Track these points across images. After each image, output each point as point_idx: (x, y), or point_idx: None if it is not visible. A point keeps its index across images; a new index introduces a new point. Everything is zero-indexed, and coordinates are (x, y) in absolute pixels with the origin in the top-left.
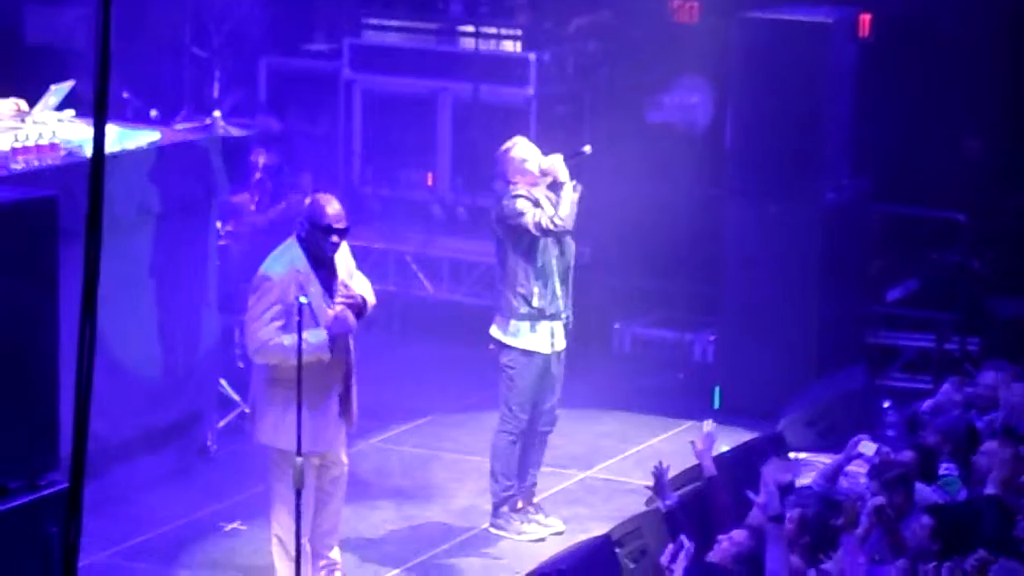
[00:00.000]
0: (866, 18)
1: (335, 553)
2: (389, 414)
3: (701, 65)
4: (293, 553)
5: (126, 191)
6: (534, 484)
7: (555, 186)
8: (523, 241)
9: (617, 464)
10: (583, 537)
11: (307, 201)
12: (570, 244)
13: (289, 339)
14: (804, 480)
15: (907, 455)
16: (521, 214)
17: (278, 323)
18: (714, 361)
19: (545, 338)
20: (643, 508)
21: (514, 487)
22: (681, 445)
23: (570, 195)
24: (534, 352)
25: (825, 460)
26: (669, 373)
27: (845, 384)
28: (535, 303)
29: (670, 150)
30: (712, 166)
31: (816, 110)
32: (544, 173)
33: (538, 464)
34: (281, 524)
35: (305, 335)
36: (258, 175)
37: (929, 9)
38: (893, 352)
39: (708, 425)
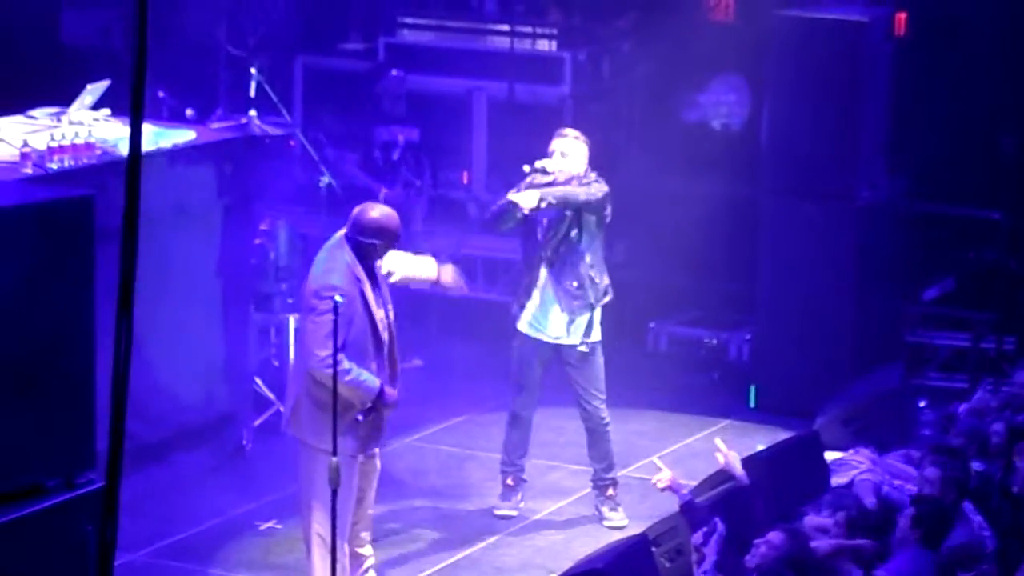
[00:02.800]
0: (902, 16)
1: (368, 549)
2: (425, 413)
3: (737, 64)
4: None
5: (162, 190)
6: (598, 478)
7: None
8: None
9: (653, 463)
10: (619, 536)
11: (361, 212)
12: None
13: (367, 375)
14: (840, 479)
15: (933, 472)
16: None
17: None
18: (750, 360)
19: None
20: (678, 507)
21: (504, 460)
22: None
23: (528, 193)
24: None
25: (859, 459)
26: (705, 372)
27: (881, 383)
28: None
29: (706, 149)
30: (748, 165)
31: (852, 109)
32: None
33: (597, 458)
34: (322, 523)
35: (365, 376)
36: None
37: (965, 7)
38: (929, 351)
39: (721, 446)
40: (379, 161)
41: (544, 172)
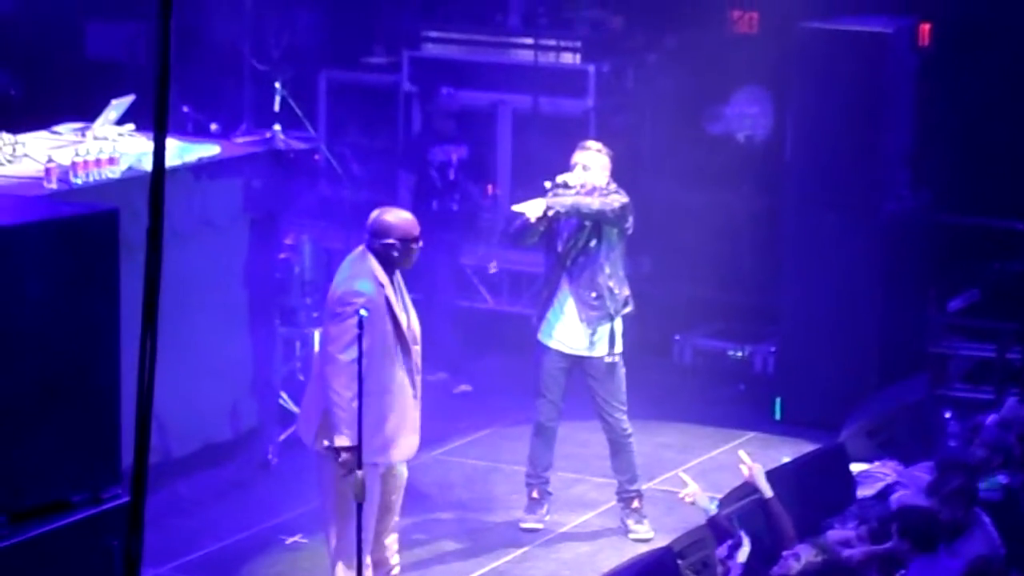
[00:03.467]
0: (926, 28)
1: (395, 558)
2: (450, 426)
3: (761, 75)
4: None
5: (186, 205)
6: (622, 490)
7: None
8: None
9: (678, 476)
10: (644, 548)
11: (378, 216)
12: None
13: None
14: (866, 491)
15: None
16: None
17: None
18: (775, 372)
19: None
20: (704, 520)
21: (530, 474)
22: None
23: (536, 202)
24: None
25: (885, 471)
26: (730, 384)
27: (906, 395)
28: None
29: (730, 161)
30: (772, 176)
31: (876, 120)
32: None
33: (620, 470)
34: (347, 537)
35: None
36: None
37: (989, 18)
38: (954, 362)
39: (745, 458)
40: (437, 182)
41: (565, 186)
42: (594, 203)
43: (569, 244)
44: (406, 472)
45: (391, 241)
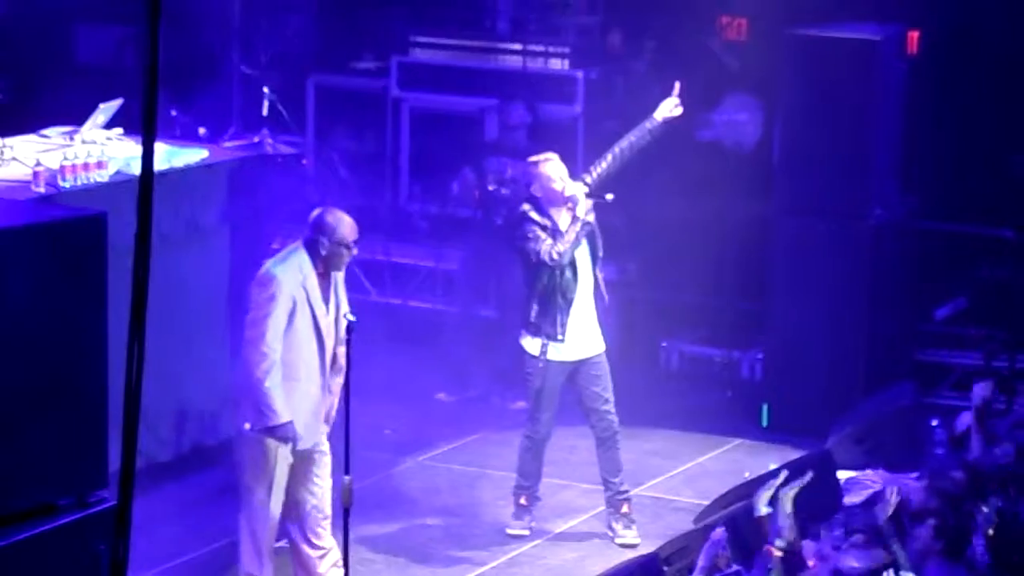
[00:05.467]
0: (914, 35)
1: (329, 541)
2: (437, 432)
3: (749, 83)
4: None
5: (174, 209)
6: (614, 493)
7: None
8: (528, 262)
9: (665, 482)
10: (631, 555)
11: (319, 213)
12: (585, 270)
13: (274, 386)
14: (853, 499)
15: (959, 474)
16: (527, 240)
17: (279, 332)
18: (762, 379)
19: (536, 348)
20: (691, 526)
21: (523, 486)
22: (729, 463)
23: (575, 230)
24: (533, 357)
25: (873, 479)
26: (717, 391)
27: (893, 402)
28: (532, 318)
29: (718, 167)
30: (760, 183)
31: (864, 127)
32: (566, 199)
33: (610, 470)
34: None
35: (277, 397)
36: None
37: (977, 26)
38: (942, 370)
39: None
40: (497, 193)
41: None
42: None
43: (572, 275)
44: (322, 462)
45: (321, 239)
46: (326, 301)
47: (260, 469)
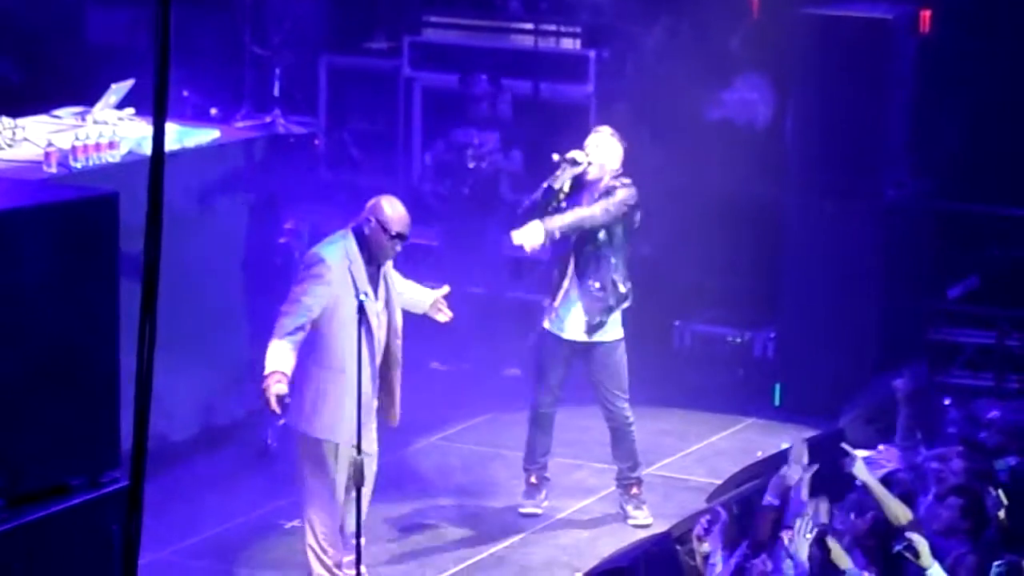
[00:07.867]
0: (926, 14)
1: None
2: (450, 412)
3: (762, 62)
4: (328, 561)
5: (186, 189)
6: (622, 477)
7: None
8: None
9: (677, 461)
10: (643, 534)
11: (376, 200)
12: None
13: (281, 350)
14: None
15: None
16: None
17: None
18: (774, 358)
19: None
20: (703, 505)
21: (530, 463)
22: (741, 443)
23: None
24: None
25: (886, 458)
26: (729, 370)
27: (906, 381)
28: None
29: (730, 147)
30: (772, 163)
31: (876, 107)
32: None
33: (621, 458)
34: (313, 522)
35: (277, 347)
36: None
37: (989, 4)
38: (954, 349)
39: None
40: (479, 168)
41: (574, 163)
42: (596, 215)
43: (579, 235)
44: (366, 460)
45: (371, 224)
46: (375, 288)
47: (319, 467)
